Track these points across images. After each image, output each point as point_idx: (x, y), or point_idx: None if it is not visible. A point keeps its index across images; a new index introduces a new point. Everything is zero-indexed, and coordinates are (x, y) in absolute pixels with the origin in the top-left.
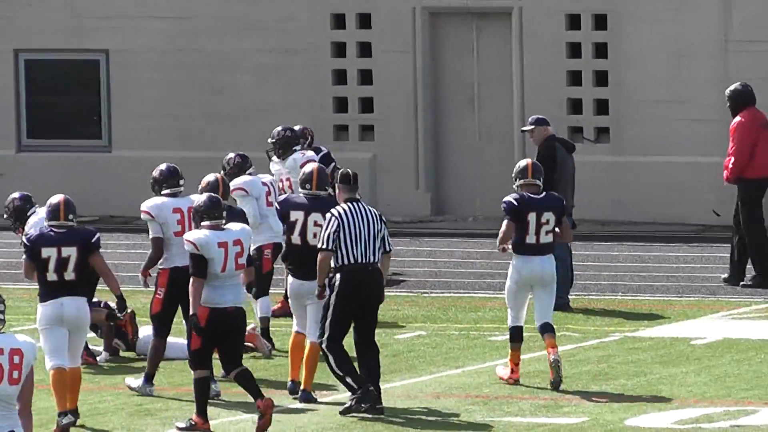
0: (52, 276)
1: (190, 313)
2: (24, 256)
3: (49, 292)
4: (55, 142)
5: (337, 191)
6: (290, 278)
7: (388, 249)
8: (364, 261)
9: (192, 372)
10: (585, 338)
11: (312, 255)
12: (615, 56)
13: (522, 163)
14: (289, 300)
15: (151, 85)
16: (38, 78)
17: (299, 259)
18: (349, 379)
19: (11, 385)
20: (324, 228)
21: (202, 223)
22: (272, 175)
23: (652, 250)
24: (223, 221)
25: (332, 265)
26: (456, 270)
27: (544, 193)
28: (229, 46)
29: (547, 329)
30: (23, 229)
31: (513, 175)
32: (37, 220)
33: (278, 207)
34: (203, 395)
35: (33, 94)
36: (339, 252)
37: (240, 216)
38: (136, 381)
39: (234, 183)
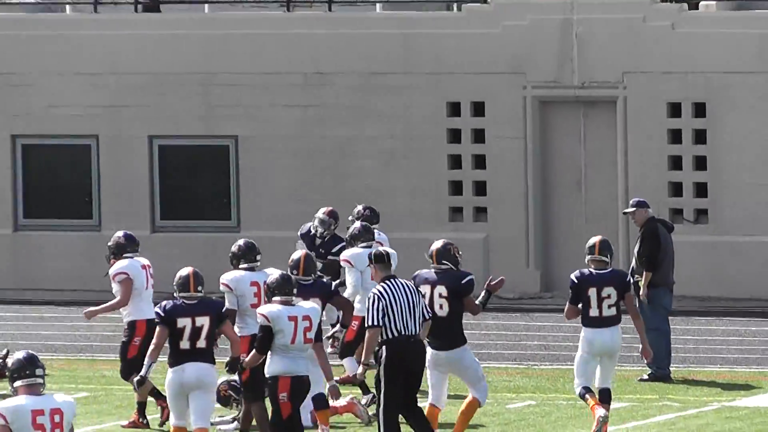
0: (185, 344)
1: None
2: (158, 327)
3: (178, 359)
4: (186, 223)
5: (373, 271)
6: (428, 350)
7: (427, 317)
8: (406, 333)
9: None
10: (684, 407)
11: (440, 324)
12: (713, 142)
13: (591, 240)
14: (427, 370)
15: (278, 169)
16: (171, 162)
17: (432, 330)
18: None
19: None
20: (368, 308)
21: (273, 299)
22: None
23: (749, 324)
24: (293, 298)
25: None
26: (564, 343)
27: (610, 269)
28: (353, 133)
29: (605, 398)
30: (113, 262)
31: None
32: (127, 263)
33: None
34: None
35: (166, 177)
36: (383, 327)
37: (324, 288)
38: None
39: (343, 254)
